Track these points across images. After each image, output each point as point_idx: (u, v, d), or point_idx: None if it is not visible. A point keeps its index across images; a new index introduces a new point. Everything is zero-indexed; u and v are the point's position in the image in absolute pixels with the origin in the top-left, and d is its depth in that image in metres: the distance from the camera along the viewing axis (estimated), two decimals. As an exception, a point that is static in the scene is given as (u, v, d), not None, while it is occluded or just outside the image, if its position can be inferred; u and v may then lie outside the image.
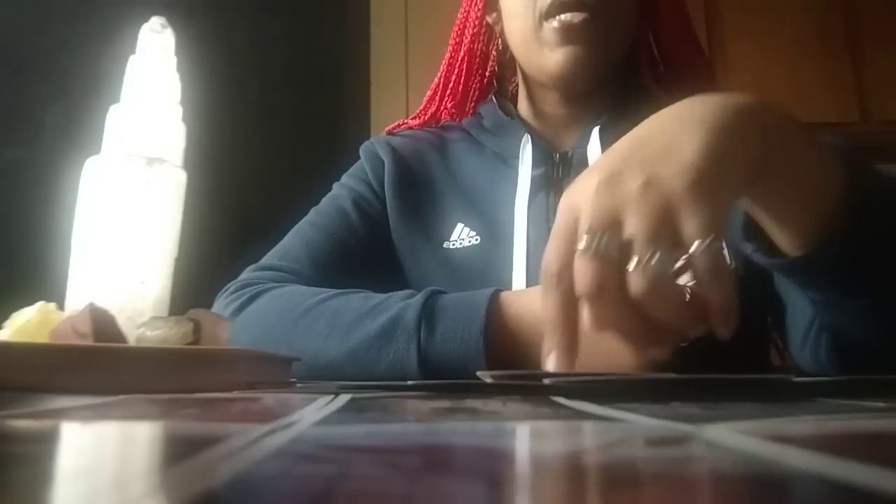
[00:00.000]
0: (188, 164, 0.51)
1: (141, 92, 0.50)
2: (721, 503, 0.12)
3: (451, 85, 0.76)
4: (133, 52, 0.51)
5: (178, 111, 0.52)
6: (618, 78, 0.71)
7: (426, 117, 0.78)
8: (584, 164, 0.67)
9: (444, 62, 0.77)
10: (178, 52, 0.52)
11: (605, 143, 0.67)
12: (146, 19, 0.52)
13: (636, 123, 0.68)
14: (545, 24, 0.63)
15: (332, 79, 1.66)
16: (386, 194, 0.73)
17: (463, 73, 0.75)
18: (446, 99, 0.77)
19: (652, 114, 0.69)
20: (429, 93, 0.79)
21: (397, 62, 1.72)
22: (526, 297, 0.49)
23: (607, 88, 0.70)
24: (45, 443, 0.19)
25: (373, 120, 1.68)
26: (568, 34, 0.63)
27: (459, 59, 0.75)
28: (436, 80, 0.78)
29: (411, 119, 0.80)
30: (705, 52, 0.75)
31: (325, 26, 1.67)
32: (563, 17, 0.62)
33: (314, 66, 1.64)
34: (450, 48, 0.76)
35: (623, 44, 0.68)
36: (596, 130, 0.68)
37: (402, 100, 1.67)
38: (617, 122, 0.69)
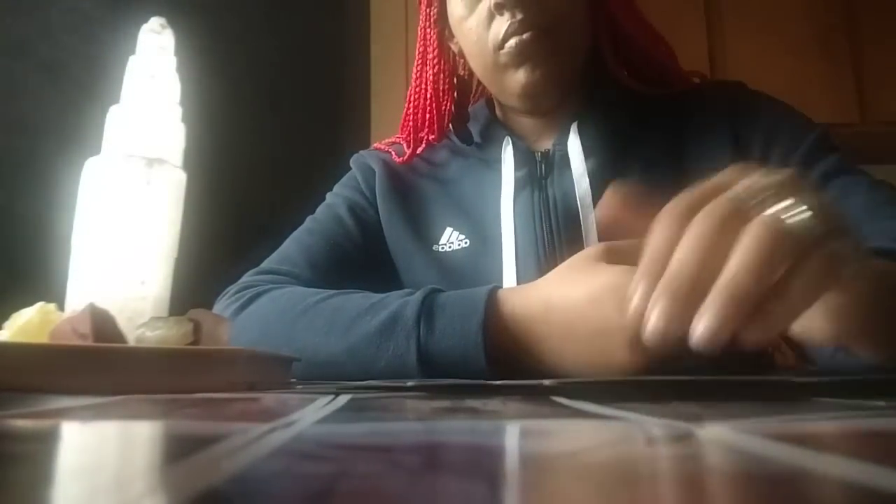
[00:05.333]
0: (188, 165, 0.51)
1: (141, 92, 0.50)
2: (721, 502, 0.12)
3: (426, 123, 0.77)
4: (133, 52, 0.51)
5: (178, 111, 0.52)
6: (587, 76, 0.71)
7: (407, 157, 0.78)
8: (565, 161, 0.69)
9: (410, 99, 0.77)
10: (177, 53, 0.52)
11: (585, 138, 0.68)
12: (146, 20, 0.52)
13: (612, 115, 0.69)
14: (500, 53, 0.65)
15: (332, 80, 1.66)
16: (378, 201, 0.75)
17: (434, 109, 0.76)
18: (426, 133, 0.78)
19: (627, 102, 0.70)
20: (405, 124, 0.79)
21: (397, 63, 1.72)
22: (523, 293, 0.50)
23: (577, 91, 0.71)
24: (45, 443, 0.19)
25: (373, 121, 1.68)
26: (522, 54, 0.64)
27: (428, 96, 0.76)
28: (407, 117, 0.78)
29: (395, 152, 0.79)
30: (662, 35, 0.75)
31: (325, 27, 1.67)
32: (514, 38, 0.63)
33: (314, 67, 1.64)
34: (413, 86, 0.77)
35: (579, 53, 0.69)
36: (574, 126, 0.69)
37: (402, 101, 1.67)
38: (594, 116, 0.70)
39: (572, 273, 0.46)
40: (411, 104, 0.77)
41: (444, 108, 0.76)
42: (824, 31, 1.81)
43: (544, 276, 0.50)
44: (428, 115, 0.76)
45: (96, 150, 0.49)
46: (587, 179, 0.66)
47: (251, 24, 1.60)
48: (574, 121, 0.69)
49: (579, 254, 0.48)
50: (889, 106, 1.77)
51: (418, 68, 0.76)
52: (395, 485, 0.13)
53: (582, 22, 0.68)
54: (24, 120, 1.40)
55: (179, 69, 0.52)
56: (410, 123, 0.77)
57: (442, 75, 0.75)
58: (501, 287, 0.52)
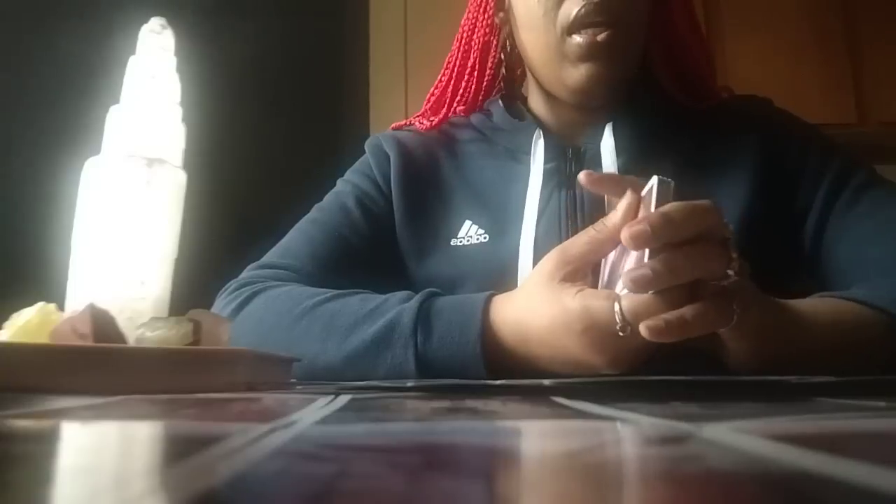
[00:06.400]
0: (188, 165, 0.51)
1: (141, 92, 0.50)
2: (721, 502, 0.12)
3: (461, 91, 0.75)
4: (133, 52, 0.51)
5: (178, 112, 0.52)
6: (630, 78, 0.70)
7: (435, 123, 0.76)
8: (597, 159, 0.66)
9: (449, 66, 0.76)
10: (177, 53, 0.52)
11: (619, 139, 0.67)
12: (146, 20, 0.52)
13: (647, 118, 0.68)
14: (568, 40, 0.62)
15: (332, 79, 1.66)
16: (392, 190, 0.72)
17: (474, 79, 0.74)
18: (456, 104, 0.76)
19: (663, 108, 0.69)
20: (433, 96, 0.77)
21: (397, 62, 1.72)
22: (523, 300, 0.49)
23: (621, 91, 0.70)
24: (45, 443, 0.19)
25: (372, 120, 1.68)
26: (591, 50, 0.62)
27: (470, 65, 0.74)
28: (439, 83, 0.77)
29: (418, 122, 0.78)
30: (708, 46, 0.74)
31: (325, 26, 1.67)
32: (587, 32, 0.61)
33: (314, 66, 1.64)
34: (457, 53, 0.75)
35: (638, 56, 0.68)
36: (609, 126, 0.67)
37: (402, 100, 1.67)
38: (630, 118, 0.68)
39: (538, 300, 0.47)
40: (453, 71, 0.75)
41: (484, 81, 0.74)
42: (823, 33, 1.81)
43: (522, 291, 0.50)
44: (464, 84, 0.74)
45: (96, 150, 0.49)
46: None
47: (251, 24, 1.60)
48: (609, 120, 0.68)
49: (539, 271, 0.48)
50: (887, 107, 1.77)
51: (466, 37, 0.74)
52: (395, 485, 0.13)
53: (646, 23, 0.67)
54: (25, 120, 1.40)
55: (179, 69, 0.52)
56: (449, 91, 0.75)
57: (491, 47, 0.73)
58: (498, 294, 0.52)
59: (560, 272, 0.46)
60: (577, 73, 0.64)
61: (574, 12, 0.61)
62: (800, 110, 0.73)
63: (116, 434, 0.22)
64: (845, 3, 1.83)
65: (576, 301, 0.44)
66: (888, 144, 1.68)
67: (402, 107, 1.64)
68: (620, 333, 0.42)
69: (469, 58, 0.74)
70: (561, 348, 0.46)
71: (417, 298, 0.52)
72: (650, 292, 0.40)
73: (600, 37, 0.61)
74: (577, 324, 0.44)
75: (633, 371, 0.45)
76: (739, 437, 0.19)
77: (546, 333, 0.46)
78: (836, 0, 1.83)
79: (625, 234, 0.40)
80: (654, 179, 0.42)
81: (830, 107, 1.73)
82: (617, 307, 0.42)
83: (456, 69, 0.75)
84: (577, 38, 0.62)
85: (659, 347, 0.44)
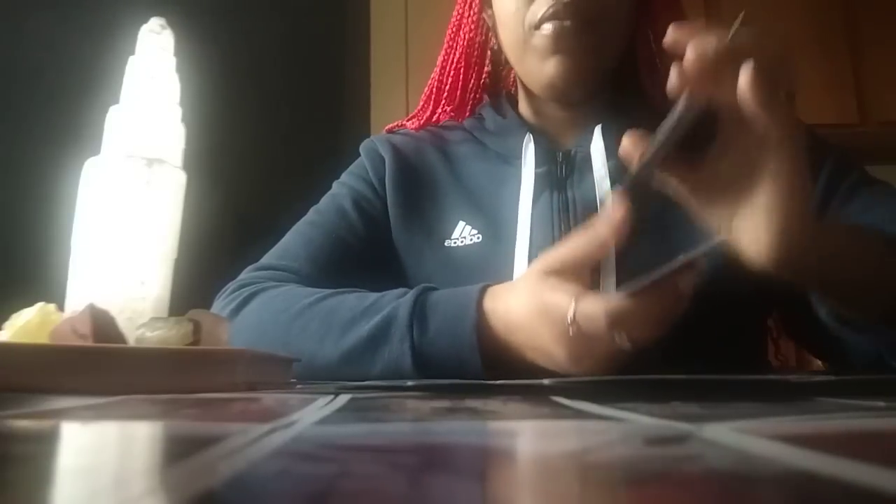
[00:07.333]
0: (188, 165, 0.51)
1: (140, 93, 0.50)
2: (721, 502, 0.12)
3: (447, 88, 0.75)
4: (132, 52, 0.51)
5: (178, 112, 0.52)
6: (617, 80, 0.70)
7: (422, 121, 0.77)
8: (587, 162, 0.67)
9: (438, 64, 0.76)
10: (177, 53, 0.52)
11: (608, 142, 0.67)
12: (146, 20, 0.52)
13: (636, 120, 0.68)
14: (536, 33, 0.63)
15: (332, 79, 1.66)
16: (387, 192, 0.72)
17: (460, 76, 0.74)
18: (443, 101, 0.76)
19: (650, 114, 0.69)
20: (424, 94, 0.78)
21: (397, 62, 1.72)
22: (514, 292, 0.49)
23: (606, 91, 0.70)
24: (45, 443, 0.19)
25: (373, 120, 1.68)
26: (559, 42, 0.62)
27: (455, 60, 0.74)
28: (431, 81, 0.77)
29: (408, 121, 0.79)
30: None
31: (325, 26, 1.68)
32: (554, 23, 0.61)
33: (314, 66, 1.64)
34: (445, 49, 0.75)
35: (615, 51, 0.68)
36: (598, 129, 0.67)
37: (402, 100, 1.67)
38: (619, 121, 0.68)
39: (526, 292, 0.48)
40: (442, 69, 0.76)
41: (470, 78, 0.75)
42: (824, 33, 1.81)
43: (515, 284, 0.50)
44: (450, 81, 0.74)
45: (96, 150, 0.49)
46: (608, 182, 0.65)
47: (251, 24, 1.60)
48: (598, 122, 0.68)
49: (533, 265, 0.49)
50: (888, 106, 1.77)
51: (452, 34, 0.74)
52: (395, 486, 0.13)
53: (625, 18, 0.66)
54: (24, 120, 1.40)
55: (179, 69, 0.52)
56: (434, 91, 0.76)
57: (476, 44, 0.74)
58: (493, 285, 0.52)
59: (553, 267, 0.47)
60: (546, 68, 0.64)
61: (541, 13, 0.62)
62: (801, 110, 0.72)
63: (116, 434, 0.22)
64: (846, 3, 1.83)
65: (548, 295, 0.46)
66: (889, 145, 1.68)
67: (403, 107, 1.64)
68: (570, 332, 0.43)
69: (455, 54, 0.74)
70: (539, 340, 0.47)
71: (413, 293, 0.52)
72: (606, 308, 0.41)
73: (567, 23, 0.61)
74: (545, 317, 0.45)
75: (616, 372, 0.45)
76: (739, 437, 0.19)
77: (526, 324, 0.47)
78: (837, 0, 1.83)
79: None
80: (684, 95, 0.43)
81: (832, 107, 1.73)
82: (573, 306, 0.42)
83: (443, 67, 0.75)
84: (543, 31, 0.62)
85: (636, 354, 0.43)
